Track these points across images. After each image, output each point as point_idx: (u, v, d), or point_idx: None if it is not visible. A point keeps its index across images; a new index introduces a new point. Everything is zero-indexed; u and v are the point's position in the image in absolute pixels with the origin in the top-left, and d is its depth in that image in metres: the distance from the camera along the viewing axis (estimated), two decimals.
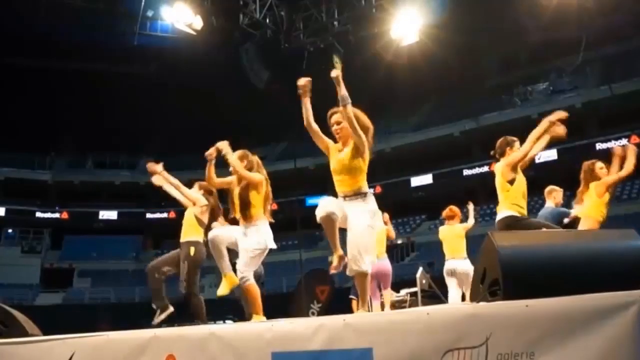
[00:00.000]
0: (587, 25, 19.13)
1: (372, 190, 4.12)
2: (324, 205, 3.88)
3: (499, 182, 4.89)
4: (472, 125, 28.01)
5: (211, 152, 4.77)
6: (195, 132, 31.71)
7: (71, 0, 20.47)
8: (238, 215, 4.63)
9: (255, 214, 4.56)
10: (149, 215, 34.16)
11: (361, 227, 3.93)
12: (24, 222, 32.58)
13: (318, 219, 3.91)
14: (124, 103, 30.22)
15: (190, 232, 5.79)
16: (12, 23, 25.40)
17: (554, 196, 6.54)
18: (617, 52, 26.25)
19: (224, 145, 4.81)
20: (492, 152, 5.02)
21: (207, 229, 5.66)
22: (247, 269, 4.47)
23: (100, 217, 33.66)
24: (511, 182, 4.80)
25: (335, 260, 4.05)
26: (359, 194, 4.03)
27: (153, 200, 34.37)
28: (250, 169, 4.73)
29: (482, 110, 27.82)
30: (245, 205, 4.56)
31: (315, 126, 4.15)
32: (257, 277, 6.76)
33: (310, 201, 29.79)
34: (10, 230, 32.90)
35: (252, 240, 4.50)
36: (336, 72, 3.93)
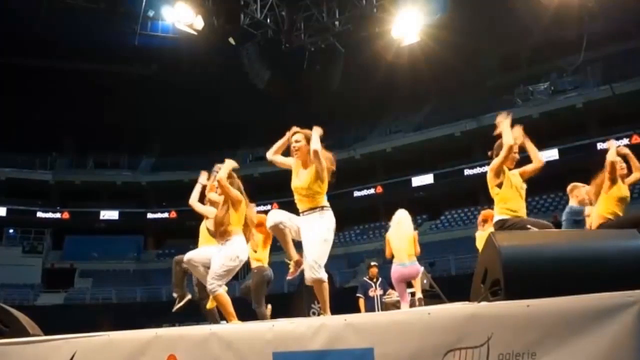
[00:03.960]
0: (588, 25, 19.10)
1: (328, 207, 4.37)
2: (272, 216, 4.30)
3: (489, 187, 4.86)
4: (473, 125, 27.98)
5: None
6: (196, 132, 31.85)
7: (71, 0, 20.46)
8: (215, 233, 4.82)
9: (232, 231, 4.65)
10: (150, 215, 34.18)
11: (316, 238, 4.20)
12: (25, 222, 32.57)
13: (268, 228, 4.38)
14: (124, 103, 30.26)
15: (204, 242, 5.93)
16: (12, 23, 25.40)
17: (575, 194, 6.31)
18: (618, 51, 26.22)
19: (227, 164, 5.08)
20: (489, 153, 4.98)
21: None
22: (216, 281, 4.54)
23: (101, 217, 33.66)
24: (499, 185, 4.77)
25: (291, 266, 4.37)
26: (315, 209, 4.31)
27: (154, 200, 34.43)
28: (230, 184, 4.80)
29: (483, 110, 27.78)
30: (222, 225, 4.66)
31: (277, 158, 4.57)
32: (268, 280, 6.91)
33: None
34: (11, 231, 32.90)
35: (226, 253, 4.59)
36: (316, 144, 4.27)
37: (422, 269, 7.69)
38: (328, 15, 18.21)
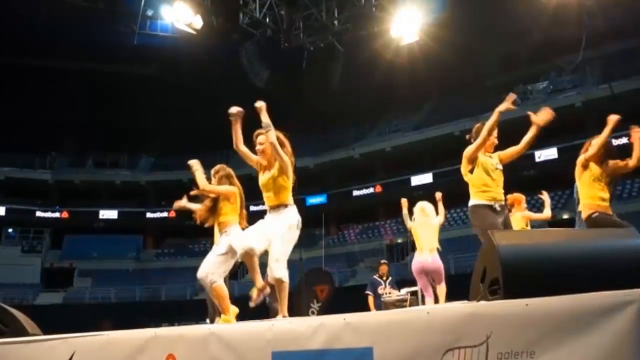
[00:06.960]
0: (587, 24, 19.13)
1: (292, 204, 4.50)
2: (243, 242, 4.31)
3: (462, 172, 4.89)
4: (472, 125, 27.87)
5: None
6: (195, 132, 31.79)
7: (71, 0, 20.46)
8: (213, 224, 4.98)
9: (227, 221, 4.86)
10: (149, 215, 34.15)
11: (277, 237, 4.29)
12: (25, 221, 32.58)
13: (238, 255, 4.40)
14: (124, 103, 30.25)
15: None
16: (12, 23, 25.39)
17: None
18: (617, 50, 26.22)
19: (194, 163, 4.99)
20: (467, 136, 5.00)
21: None
22: (214, 271, 4.75)
23: (100, 216, 33.64)
24: (471, 171, 4.80)
25: (254, 292, 4.41)
26: (280, 206, 4.41)
27: (153, 200, 34.41)
28: (221, 180, 4.97)
29: (482, 109, 27.76)
30: (218, 216, 4.88)
31: (243, 148, 4.54)
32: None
33: (311, 200, 29.82)
34: (10, 230, 32.90)
35: (222, 245, 4.79)
36: (260, 103, 4.38)
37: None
38: (327, 15, 18.23)
